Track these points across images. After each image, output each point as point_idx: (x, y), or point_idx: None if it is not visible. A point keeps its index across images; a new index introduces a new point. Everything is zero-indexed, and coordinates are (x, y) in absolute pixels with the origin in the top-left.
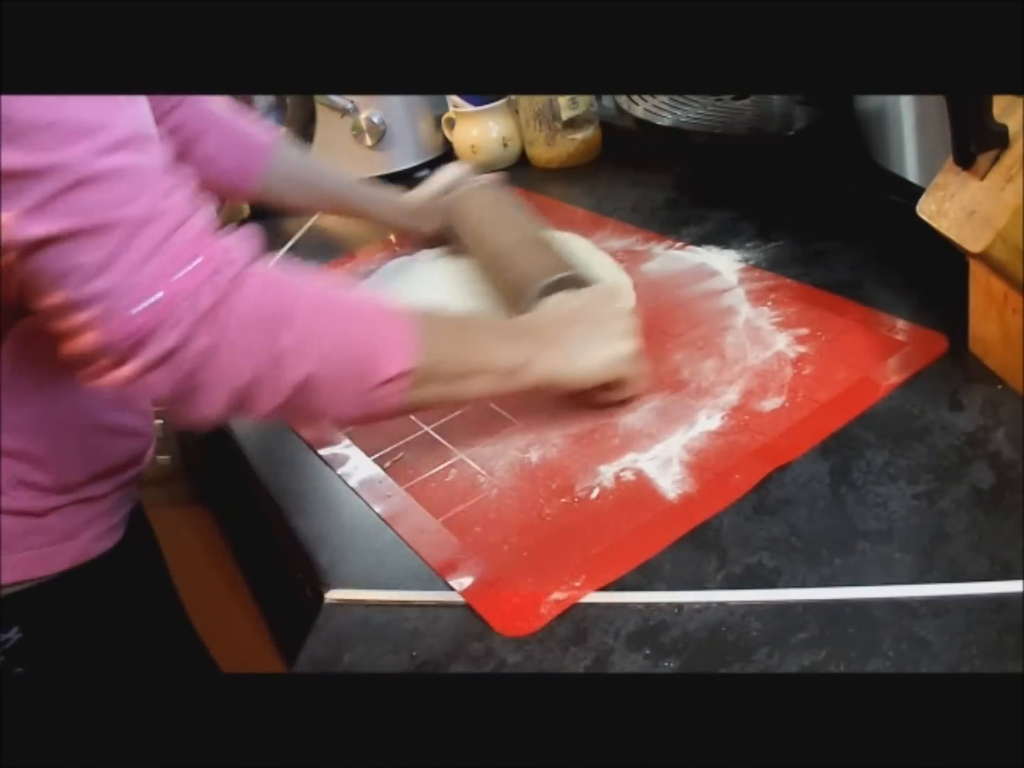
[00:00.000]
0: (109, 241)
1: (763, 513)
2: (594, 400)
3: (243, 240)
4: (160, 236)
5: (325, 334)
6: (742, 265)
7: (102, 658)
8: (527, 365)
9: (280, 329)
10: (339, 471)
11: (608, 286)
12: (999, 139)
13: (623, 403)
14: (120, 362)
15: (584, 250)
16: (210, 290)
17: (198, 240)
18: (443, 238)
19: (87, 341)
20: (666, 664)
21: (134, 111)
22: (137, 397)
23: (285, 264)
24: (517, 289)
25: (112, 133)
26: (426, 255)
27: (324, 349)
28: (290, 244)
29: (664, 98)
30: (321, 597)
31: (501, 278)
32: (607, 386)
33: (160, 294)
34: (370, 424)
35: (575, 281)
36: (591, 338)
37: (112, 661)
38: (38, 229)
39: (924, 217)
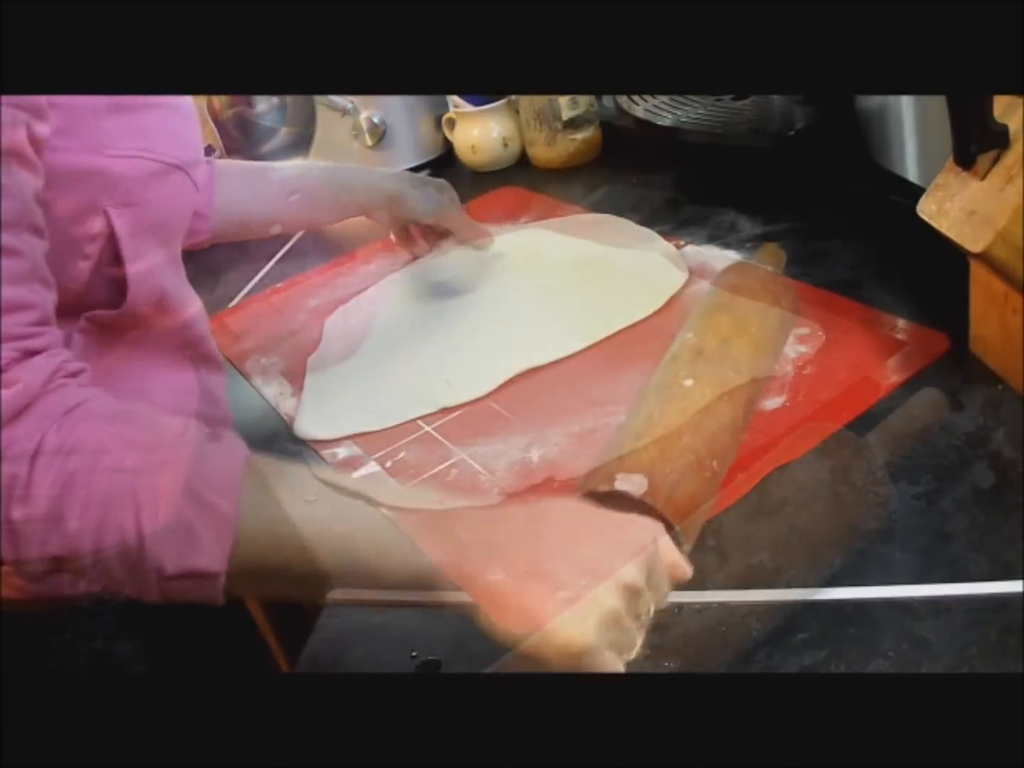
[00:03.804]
0: None
1: (763, 513)
2: None
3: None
4: None
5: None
6: None
7: (190, 665)
8: None
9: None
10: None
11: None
12: (999, 139)
13: None
14: None
15: (628, 231)
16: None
17: None
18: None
19: None
20: (666, 664)
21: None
22: None
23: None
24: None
25: None
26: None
27: None
28: (283, 251)
29: (664, 98)
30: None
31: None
32: None
33: None
34: None
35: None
36: None
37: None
38: None
39: (924, 217)
